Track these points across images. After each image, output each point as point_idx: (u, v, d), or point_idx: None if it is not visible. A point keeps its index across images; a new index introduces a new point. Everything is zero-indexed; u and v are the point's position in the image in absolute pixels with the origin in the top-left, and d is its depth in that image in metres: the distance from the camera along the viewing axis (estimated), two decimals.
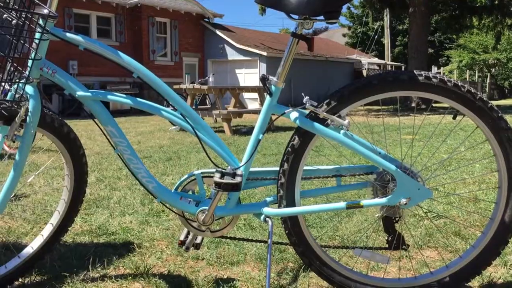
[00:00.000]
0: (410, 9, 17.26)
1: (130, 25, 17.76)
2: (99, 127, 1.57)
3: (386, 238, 1.58)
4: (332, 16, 1.40)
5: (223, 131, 8.10)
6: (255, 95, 12.05)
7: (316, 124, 1.47)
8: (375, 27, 33.63)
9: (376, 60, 28.49)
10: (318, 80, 21.44)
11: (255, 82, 19.48)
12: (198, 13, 19.70)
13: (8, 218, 2.66)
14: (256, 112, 9.14)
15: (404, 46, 33.54)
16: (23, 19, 1.38)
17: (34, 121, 1.48)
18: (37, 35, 1.42)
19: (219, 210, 1.56)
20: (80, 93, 1.51)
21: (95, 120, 1.56)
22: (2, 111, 1.43)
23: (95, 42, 1.49)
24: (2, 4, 1.38)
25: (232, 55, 19.75)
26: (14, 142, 1.48)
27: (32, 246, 1.76)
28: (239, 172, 1.47)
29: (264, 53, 19.05)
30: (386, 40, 30.33)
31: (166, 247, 2.20)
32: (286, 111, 1.50)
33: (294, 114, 1.50)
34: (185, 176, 1.62)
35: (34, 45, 1.44)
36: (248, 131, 8.61)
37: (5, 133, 1.48)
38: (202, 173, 1.60)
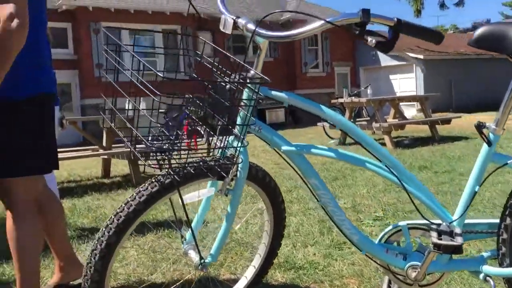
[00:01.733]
0: None
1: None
2: (279, 153, 1.58)
3: None
4: None
5: (384, 144, 7.84)
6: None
7: None
8: None
9: None
10: (482, 82, 19.55)
11: (411, 87, 18.57)
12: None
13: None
14: (419, 123, 8.67)
15: None
16: (235, 84, 1.46)
17: (244, 175, 1.57)
18: (247, 96, 1.50)
19: (431, 266, 1.47)
20: (285, 147, 1.55)
21: (259, 136, 1.57)
22: (218, 168, 1.53)
23: (297, 97, 1.52)
24: (219, 72, 1.49)
25: (385, 61, 19.13)
26: (226, 196, 1.58)
27: (238, 287, 1.87)
28: (457, 230, 1.36)
29: (421, 56, 18.07)
30: None
31: (357, 287, 2.16)
32: (509, 161, 1.35)
33: None
34: (390, 227, 1.56)
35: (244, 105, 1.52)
36: (411, 143, 8.20)
37: (216, 188, 1.59)
38: (408, 224, 1.53)
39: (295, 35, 1.35)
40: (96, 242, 1.41)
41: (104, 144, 6.24)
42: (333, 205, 1.54)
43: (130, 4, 14.73)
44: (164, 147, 1.44)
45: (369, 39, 1.28)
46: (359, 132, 1.49)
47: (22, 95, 1.94)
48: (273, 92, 1.52)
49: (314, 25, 1.30)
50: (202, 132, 6.56)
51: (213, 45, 1.55)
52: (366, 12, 1.25)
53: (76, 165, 7.48)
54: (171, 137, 1.54)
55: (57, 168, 2.22)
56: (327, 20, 1.28)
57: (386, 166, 1.48)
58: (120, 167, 7.22)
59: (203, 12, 16.18)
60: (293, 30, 1.35)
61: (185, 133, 5.81)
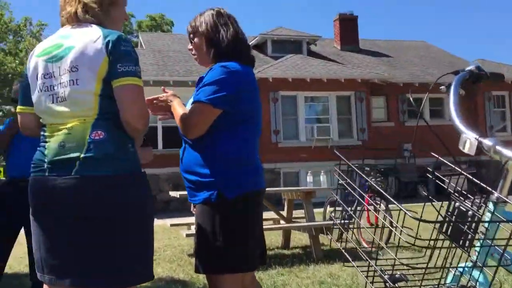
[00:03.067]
0: None
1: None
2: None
3: None
4: None
5: None
6: None
7: None
8: None
9: None
10: None
11: None
12: None
13: None
14: None
15: None
16: (477, 208, 1.32)
17: None
18: (487, 220, 1.33)
19: None
20: None
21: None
22: None
23: None
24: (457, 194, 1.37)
25: None
26: None
27: None
28: None
29: None
30: None
31: None
32: None
33: None
34: None
35: (483, 229, 1.35)
36: None
37: None
38: None
39: None
40: None
41: (285, 215, 6.40)
42: None
43: (306, 74, 15.45)
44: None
45: None
46: None
47: (233, 194, 2.04)
48: None
49: None
50: (384, 207, 6.29)
51: (455, 166, 1.44)
52: None
53: None
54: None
55: (265, 263, 2.27)
56: None
57: None
58: (297, 235, 7.29)
59: (376, 78, 16.15)
60: None
61: (366, 204, 5.48)
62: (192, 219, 6.73)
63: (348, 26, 19.82)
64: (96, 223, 1.64)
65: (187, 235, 5.21)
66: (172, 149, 13.12)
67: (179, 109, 2.14)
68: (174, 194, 5.69)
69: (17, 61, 25.42)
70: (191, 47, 2.26)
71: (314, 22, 76.79)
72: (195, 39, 2.22)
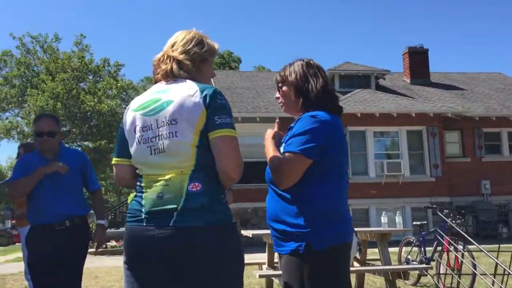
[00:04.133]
0: None
1: None
2: None
3: None
4: None
5: None
6: None
7: None
8: None
9: None
10: None
11: None
12: None
13: None
14: None
15: None
16: None
17: None
18: None
19: None
20: None
21: None
22: None
23: None
24: None
25: None
26: None
27: None
28: None
29: None
30: None
31: None
32: None
33: None
34: None
35: None
36: None
37: None
38: None
39: None
40: None
41: (358, 256, 6.17)
42: None
43: (375, 108, 15.19)
44: None
45: None
46: None
47: (321, 246, 1.99)
48: None
49: None
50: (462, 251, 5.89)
51: None
52: None
53: None
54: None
55: None
56: None
57: None
58: (370, 278, 6.99)
59: (450, 112, 15.54)
60: None
61: (446, 250, 5.16)
62: (263, 257, 6.70)
63: (418, 59, 19.35)
64: (192, 273, 1.66)
65: (260, 276, 5.15)
66: (240, 184, 13.25)
67: (271, 149, 2.14)
68: (246, 233, 5.68)
69: (95, 100, 26.95)
70: (278, 95, 2.29)
71: (382, 56, 75.99)
72: (284, 88, 2.24)
